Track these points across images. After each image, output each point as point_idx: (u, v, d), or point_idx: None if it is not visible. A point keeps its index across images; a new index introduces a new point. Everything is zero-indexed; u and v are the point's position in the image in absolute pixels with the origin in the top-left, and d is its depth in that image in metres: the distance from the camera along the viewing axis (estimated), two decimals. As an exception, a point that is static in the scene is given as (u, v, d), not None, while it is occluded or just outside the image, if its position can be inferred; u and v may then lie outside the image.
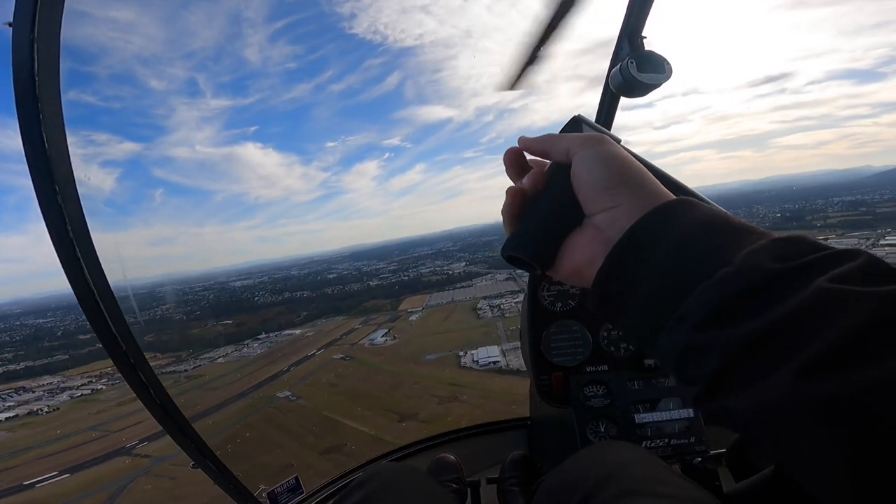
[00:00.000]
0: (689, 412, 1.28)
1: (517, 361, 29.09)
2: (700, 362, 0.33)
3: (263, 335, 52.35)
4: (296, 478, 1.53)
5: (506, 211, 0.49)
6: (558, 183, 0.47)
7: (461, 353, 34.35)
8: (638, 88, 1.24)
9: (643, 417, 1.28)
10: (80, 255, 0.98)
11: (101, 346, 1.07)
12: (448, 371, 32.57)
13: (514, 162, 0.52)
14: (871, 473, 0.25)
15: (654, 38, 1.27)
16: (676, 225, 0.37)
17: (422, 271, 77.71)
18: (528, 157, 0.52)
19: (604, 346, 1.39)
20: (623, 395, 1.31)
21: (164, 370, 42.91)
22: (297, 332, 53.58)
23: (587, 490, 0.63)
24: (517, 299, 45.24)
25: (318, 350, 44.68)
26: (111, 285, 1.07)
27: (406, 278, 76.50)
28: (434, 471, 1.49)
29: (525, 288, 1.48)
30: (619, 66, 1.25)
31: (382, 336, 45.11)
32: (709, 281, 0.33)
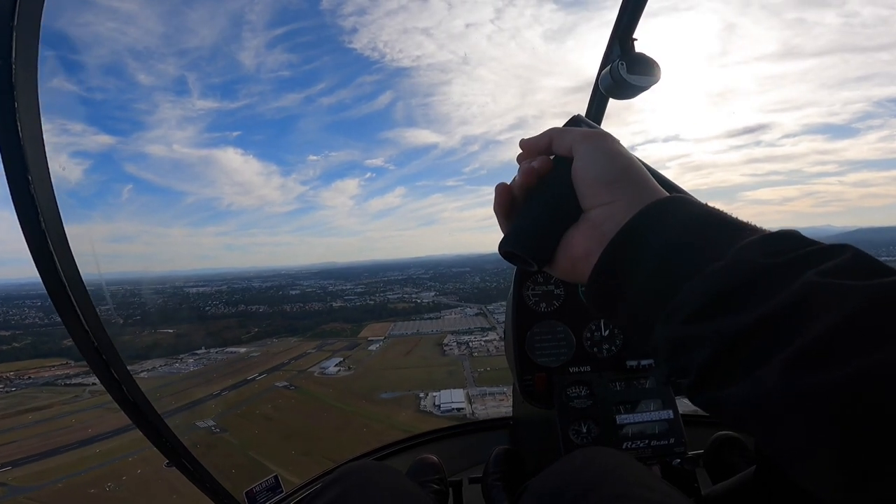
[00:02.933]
0: (668, 413, 1.29)
1: (483, 411, 25.55)
2: (691, 354, 0.33)
3: (202, 350, 46.85)
4: (275, 476, 1.49)
5: (497, 207, 0.49)
6: (559, 177, 0.46)
7: (421, 395, 30.48)
8: (627, 90, 1.24)
9: (624, 418, 1.27)
10: (51, 247, 0.97)
11: (72, 341, 1.05)
12: (404, 415, 28.57)
13: (528, 153, 0.51)
14: (859, 463, 0.25)
15: (645, 42, 1.26)
16: (671, 221, 0.38)
17: (389, 297, 74.08)
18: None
19: (587, 346, 1.39)
20: (605, 397, 1.31)
21: (69, 381, 36.90)
22: (242, 350, 47.94)
23: (574, 495, 0.64)
24: (487, 337, 42.03)
25: (260, 374, 39.45)
26: (83, 278, 1.05)
27: (372, 303, 72.59)
28: (414, 471, 1.48)
29: (504, 330, 1.52)
30: (609, 67, 1.25)
31: (336, 365, 40.35)
32: (700, 275, 0.34)
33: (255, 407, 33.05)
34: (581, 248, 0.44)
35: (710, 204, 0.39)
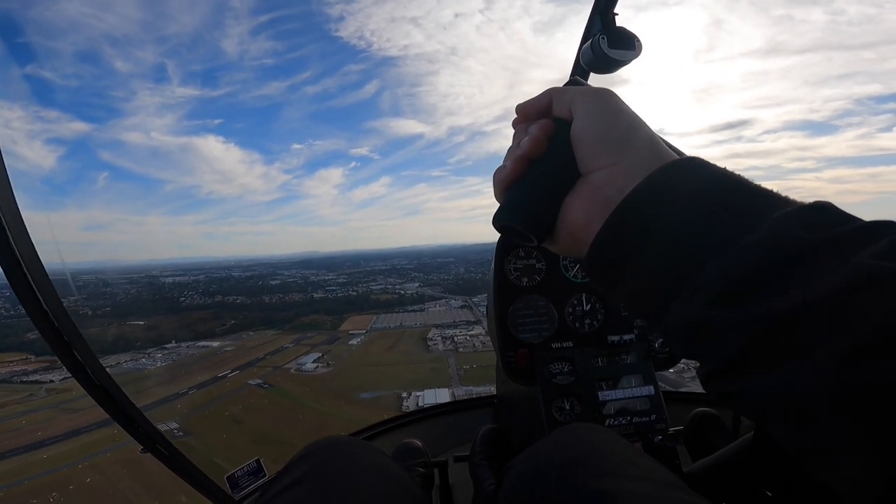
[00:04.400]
0: (649, 389, 1.30)
1: (470, 411, 24.16)
2: (716, 341, 0.29)
3: (172, 344, 44.38)
4: (257, 460, 1.48)
5: (501, 177, 0.42)
6: (558, 141, 0.41)
7: (404, 395, 28.85)
8: (608, 65, 1.26)
9: (606, 395, 1.28)
10: (4, 223, 0.94)
11: (36, 334, 1.03)
12: (385, 417, 26.60)
13: (523, 120, 0.45)
14: None
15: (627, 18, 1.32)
16: (689, 185, 0.33)
17: (372, 287, 72.60)
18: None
19: (569, 321, 1.40)
20: (587, 373, 1.32)
21: (25, 377, 34.52)
22: (215, 344, 45.58)
23: (559, 473, 0.64)
24: (472, 331, 40.51)
25: (233, 371, 37.10)
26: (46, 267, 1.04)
27: (354, 293, 70.92)
28: (397, 456, 1.45)
29: (486, 307, 1.51)
30: (590, 41, 1.27)
31: (314, 361, 38.33)
32: (731, 249, 0.29)
33: (223, 407, 30.89)
34: (580, 217, 0.38)
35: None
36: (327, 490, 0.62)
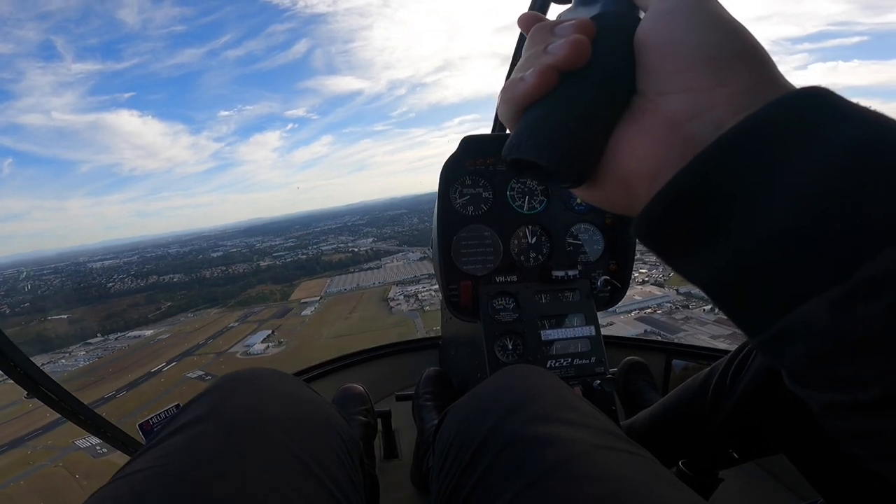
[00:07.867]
0: (590, 330, 1.27)
1: (444, 377, 21.67)
2: (889, 363, 0.19)
3: (98, 338, 39.00)
4: (177, 405, 1.32)
5: (518, 92, 0.29)
6: (608, 45, 0.29)
7: (368, 368, 25.82)
8: None
9: (549, 334, 1.25)
10: None
11: None
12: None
13: (533, 24, 0.32)
14: None
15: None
16: (838, 127, 0.21)
17: (323, 248, 68.26)
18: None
19: (514, 254, 1.35)
20: (530, 309, 1.28)
21: None
22: (148, 332, 40.40)
23: (497, 418, 0.60)
24: (436, 285, 37.58)
25: (168, 363, 32.54)
26: None
27: (304, 256, 66.49)
28: (338, 404, 1.37)
29: (431, 238, 1.44)
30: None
31: (263, 341, 34.15)
32: None
33: (156, 410, 26.78)
34: (645, 158, 0.27)
35: None
36: (234, 427, 0.51)
